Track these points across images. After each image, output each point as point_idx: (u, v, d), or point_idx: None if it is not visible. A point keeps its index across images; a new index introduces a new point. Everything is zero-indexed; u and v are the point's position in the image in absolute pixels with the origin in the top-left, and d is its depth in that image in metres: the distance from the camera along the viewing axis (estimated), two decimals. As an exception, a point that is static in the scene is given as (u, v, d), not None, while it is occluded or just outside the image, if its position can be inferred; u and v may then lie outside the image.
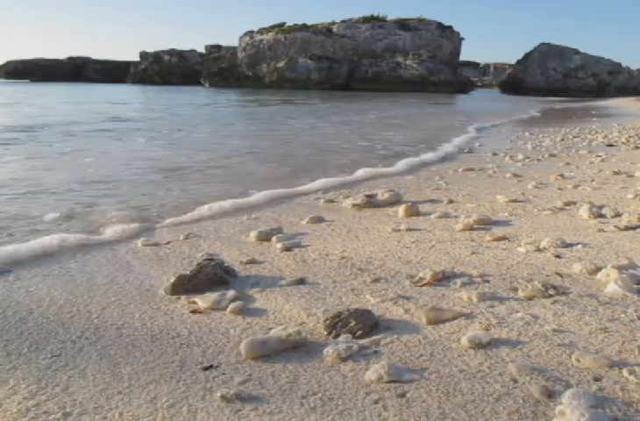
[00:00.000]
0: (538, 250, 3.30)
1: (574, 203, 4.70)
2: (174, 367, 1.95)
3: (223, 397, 1.72)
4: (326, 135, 12.70)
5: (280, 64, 70.34)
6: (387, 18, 73.49)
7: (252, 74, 72.73)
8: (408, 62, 68.02)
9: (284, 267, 3.13)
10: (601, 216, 4.20)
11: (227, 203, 4.97)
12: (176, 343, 2.15)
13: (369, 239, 3.74)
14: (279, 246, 3.52)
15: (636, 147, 9.67)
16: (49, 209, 4.78)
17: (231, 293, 2.63)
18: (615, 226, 3.78)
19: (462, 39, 74.53)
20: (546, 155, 8.68)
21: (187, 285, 2.74)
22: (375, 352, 2.02)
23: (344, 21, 73.13)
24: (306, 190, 5.83)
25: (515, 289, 2.61)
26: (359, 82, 66.96)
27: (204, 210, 4.77)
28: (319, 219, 4.35)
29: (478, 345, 2.02)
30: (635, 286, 2.56)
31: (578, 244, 3.40)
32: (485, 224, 4.02)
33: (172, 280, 2.76)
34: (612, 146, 10.09)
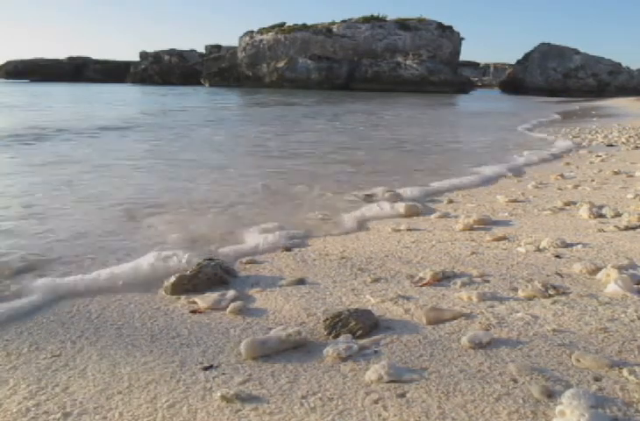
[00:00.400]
0: (538, 250, 3.30)
1: (574, 203, 4.70)
2: (174, 367, 1.95)
3: (223, 397, 1.72)
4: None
5: (280, 64, 70.36)
6: (387, 18, 73.48)
7: (252, 74, 72.74)
8: (408, 62, 68.02)
9: (284, 267, 3.13)
10: (601, 216, 4.20)
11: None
12: (176, 343, 2.14)
13: (369, 239, 3.74)
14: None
15: (636, 147, 9.66)
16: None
17: (230, 293, 2.63)
18: (615, 226, 3.78)
19: (462, 39, 74.55)
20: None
21: (187, 285, 2.75)
22: (375, 352, 2.02)
23: (344, 21, 73.11)
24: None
25: (515, 289, 2.61)
26: (359, 82, 66.95)
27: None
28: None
29: (478, 345, 2.02)
30: (635, 286, 2.56)
31: (578, 244, 3.40)
32: (485, 224, 4.02)
33: (172, 280, 2.76)
34: (612, 146, 10.09)
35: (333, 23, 73.29)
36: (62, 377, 1.89)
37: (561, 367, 1.85)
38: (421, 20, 73.10)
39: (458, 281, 2.75)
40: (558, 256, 3.16)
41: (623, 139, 11.13)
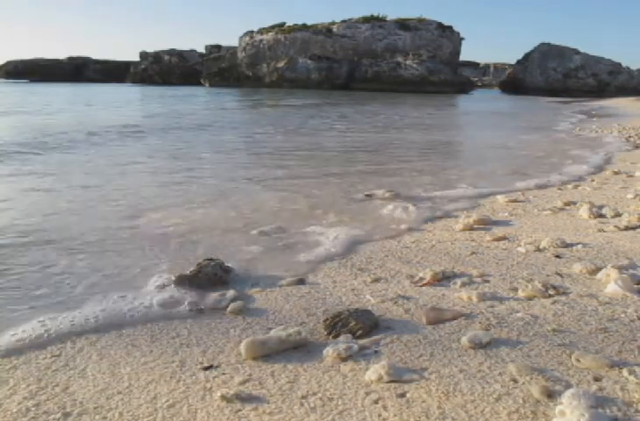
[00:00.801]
0: (538, 250, 3.30)
1: (574, 203, 4.70)
2: (173, 367, 1.95)
3: (223, 397, 1.72)
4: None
5: (280, 64, 70.32)
6: (387, 18, 73.39)
7: (252, 74, 72.69)
8: (408, 62, 67.96)
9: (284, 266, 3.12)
10: (601, 216, 4.20)
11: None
12: (176, 343, 2.14)
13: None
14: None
15: (636, 147, 9.67)
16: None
17: (230, 293, 2.63)
18: (615, 226, 3.78)
19: (462, 39, 74.44)
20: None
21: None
22: (375, 352, 2.02)
23: (344, 21, 73.04)
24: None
25: (515, 289, 2.61)
26: (359, 82, 66.89)
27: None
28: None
29: (478, 345, 2.02)
30: (635, 286, 2.56)
31: (578, 244, 3.40)
32: (485, 224, 4.02)
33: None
34: (612, 146, 10.09)
35: (333, 23, 73.22)
36: (62, 377, 1.89)
37: (561, 367, 1.85)
38: (421, 20, 73.01)
39: (458, 281, 2.75)
40: (558, 256, 3.16)
41: (623, 139, 11.14)
